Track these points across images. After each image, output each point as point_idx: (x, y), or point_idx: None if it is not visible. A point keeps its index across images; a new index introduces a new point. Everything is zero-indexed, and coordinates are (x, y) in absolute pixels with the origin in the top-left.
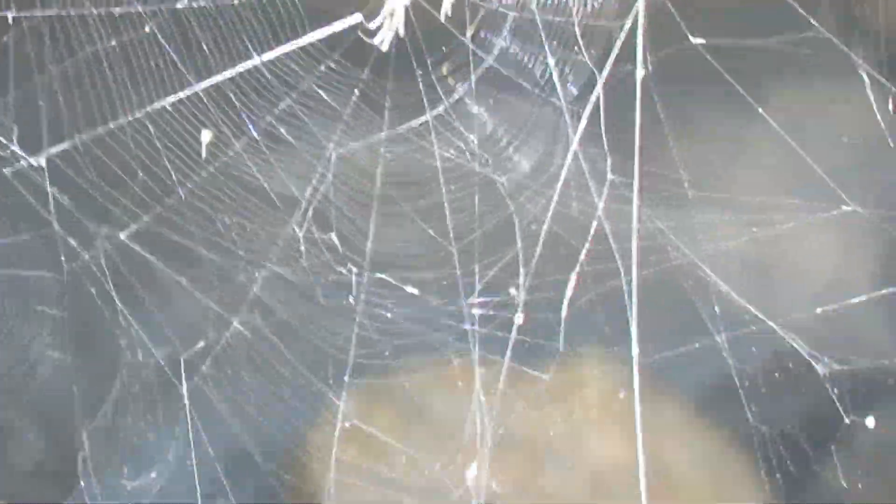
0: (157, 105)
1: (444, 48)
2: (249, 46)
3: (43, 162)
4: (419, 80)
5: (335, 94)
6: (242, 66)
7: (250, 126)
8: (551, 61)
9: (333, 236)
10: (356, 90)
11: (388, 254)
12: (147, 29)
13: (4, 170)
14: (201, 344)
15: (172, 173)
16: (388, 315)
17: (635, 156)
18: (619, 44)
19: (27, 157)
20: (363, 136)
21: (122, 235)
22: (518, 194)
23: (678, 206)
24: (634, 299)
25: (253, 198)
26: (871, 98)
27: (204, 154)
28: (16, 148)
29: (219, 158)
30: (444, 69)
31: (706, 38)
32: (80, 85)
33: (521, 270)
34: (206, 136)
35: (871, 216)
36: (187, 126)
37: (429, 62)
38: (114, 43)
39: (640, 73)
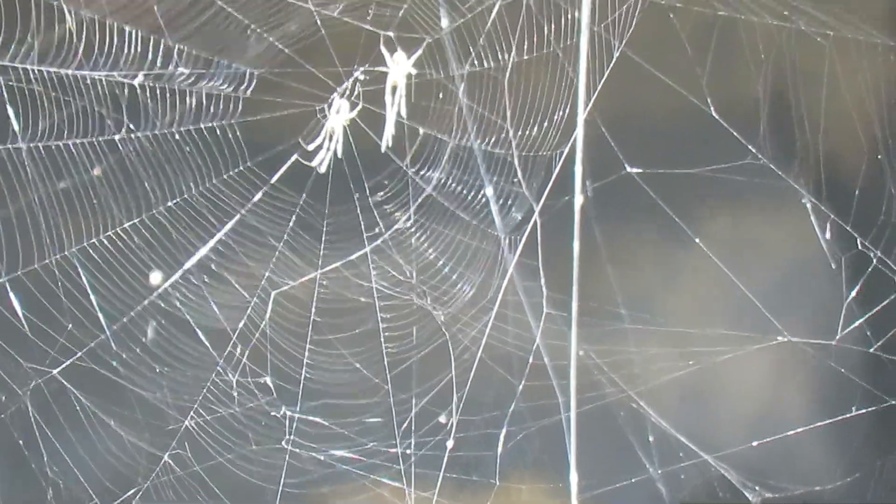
0: (91, 241)
1: (385, 180)
2: (187, 177)
3: None
4: (356, 203)
5: (272, 220)
6: (178, 198)
7: (184, 257)
8: (489, 192)
9: (268, 380)
10: (293, 215)
11: (322, 383)
12: (82, 161)
13: None
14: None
15: (99, 311)
16: (320, 446)
17: (573, 288)
18: (556, 174)
19: None
20: (299, 262)
21: (55, 371)
22: (453, 324)
23: (615, 339)
24: (573, 433)
25: (185, 336)
26: (808, 224)
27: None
28: None
29: (147, 297)
30: (382, 195)
31: (643, 167)
32: (11, 222)
33: (454, 399)
34: (154, 277)
35: (806, 346)
36: (121, 260)
37: (367, 186)
38: (47, 179)
39: (578, 200)
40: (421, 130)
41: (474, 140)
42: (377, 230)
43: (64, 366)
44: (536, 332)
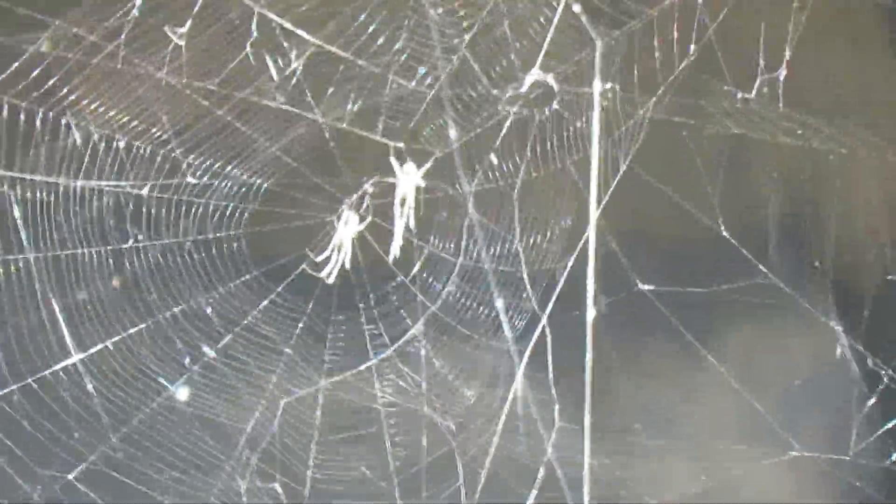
0: (97, 347)
1: (391, 293)
2: (193, 285)
3: None
4: (362, 314)
5: (278, 327)
6: (185, 305)
7: (190, 363)
8: (499, 305)
9: (277, 486)
10: (300, 323)
11: (329, 490)
12: (88, 268)
13: None
14: None
15: (105, 418)
16: None
17: (586, 403)
18: (565, 288)
19: None
20: (306, 368)
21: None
22: (461, 433)
23: (628, 452)
24: None
25: (193, 442)
26: (820, 341)
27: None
28: None
29: (155, 400)
30: (388, 306)
31: (655, 284)
32: (19, 328)
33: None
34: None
35: (818, 460)
36: (126, 366)
37: (372, 297)
38: (54, 284)
39: (590, 315)
40: (428, 245)
41: (483, 254)
42: (382, 340)
43: (74, 473)
44: (547, 443)
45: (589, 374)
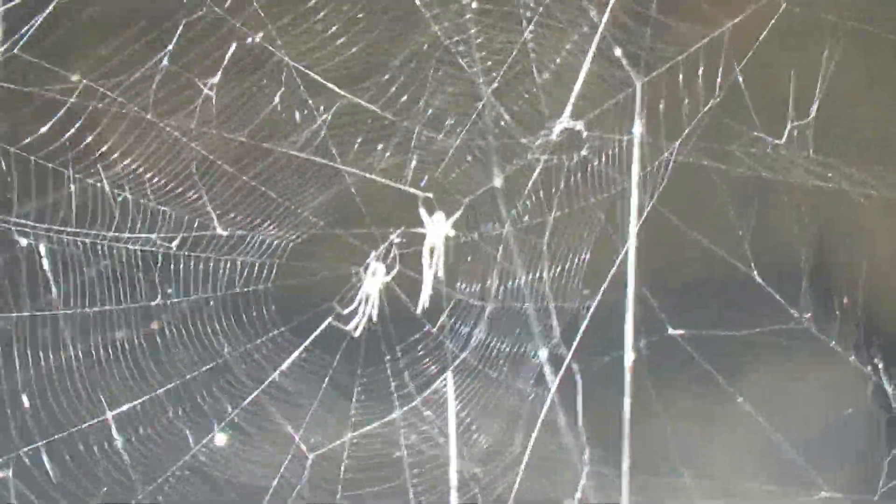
0: (122, 409)
1: (419, 346)
2: (221, 341)
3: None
4: (387, 365)
5: (304, 381)
6: (210, 364)
7: (217, 418)
8: (530, 351)
9: None
10: (326, 377)
11: None
12: (118, 333)
13: None
14: None
15: (134, 476)
16: None
17: (624, 446)
18: (594, 331)
19: None
20: (331, 421)
21: None
22: (485, 479)
23: (658, 493)
24: None
25: (221, 495)
26: (850, 383)
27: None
28: None
29: (182, 459)
30: (416, 357)
31: (686, 329)
32: (44, 391)
33: None
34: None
35: (846, 501)
36: (150, 432)
37: (398, 349)
38: (80, 348)
39: (629, 359)
40: (456, 291)
41: (509, 296)
42: (408, 391)
43: None
44: (578, 488)
45: (627, 419)
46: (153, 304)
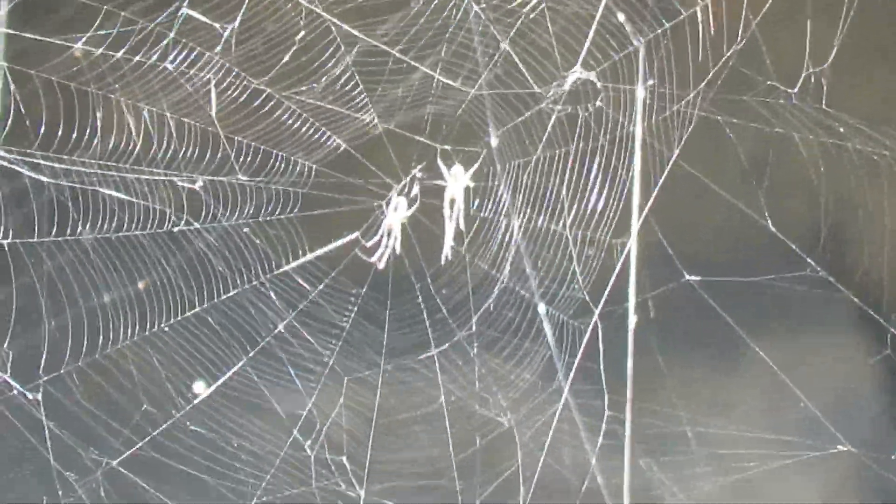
0: (155, 328)
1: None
2: (249, 267)
3: (39, 393)
4: (418, 292)
5: (334, 310)
6: (244, 286)
7: (249, 346)
8: (547, 300)
9: (344, 459)
10: (355, 307)
11: (387, 471)
12: (149, 252)
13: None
14: None
15: (173, 393)
16: None
17: (627, 409)
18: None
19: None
20: (363, 351)
21: (115, 463)
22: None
23: (673, 443)
24: None
25: (255, 419)
26: (868, 336)
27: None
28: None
29: (218, 379)
30: (440, 285)
31: (701, 275)
32: (78, 308)
33: (521, 488)
34: (198, 387)
35: (864, 457)
36: (187, 347)
37: (428, 275)
38: (115, 265)
39: (632, 321)
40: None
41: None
42: (439, 316)
43: (127, 454)
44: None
45: (630, 381)
46: (176, 230)
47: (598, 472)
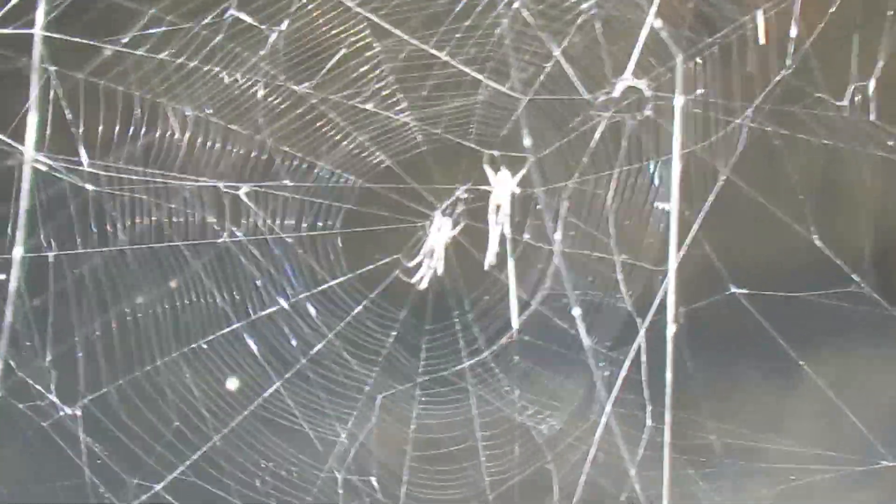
0: (192, 345)
1: (486, 296)
2: (291, 284)
3: (78, 411)
4: (456, 321)
5: (371, 333)
6: (281, 305)
7: (285, 367)
8: (591, 308)
9: (373, 480)
10: (393, 331)
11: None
12: (191, 268)
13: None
14: None
15: (207, 417)
16: None
17: (666, 417)
18: (660, 290)
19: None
20: (398, 376)
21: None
22: (555, 443)
23: (716, 453)
24: None
25: (289, 442)
26: None
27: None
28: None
29: (253, 401)
30: (483, 311)
31: (748, 288)
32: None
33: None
34: (231, 383)
35: None
36: (221, 367)
37: (466, 303)
38: (156, 282)
39: (671, 330)
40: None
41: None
42: (476, 346)
43: (168, 480)
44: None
45: (669, 390)
46: (219, 241)
47: (637, 482)
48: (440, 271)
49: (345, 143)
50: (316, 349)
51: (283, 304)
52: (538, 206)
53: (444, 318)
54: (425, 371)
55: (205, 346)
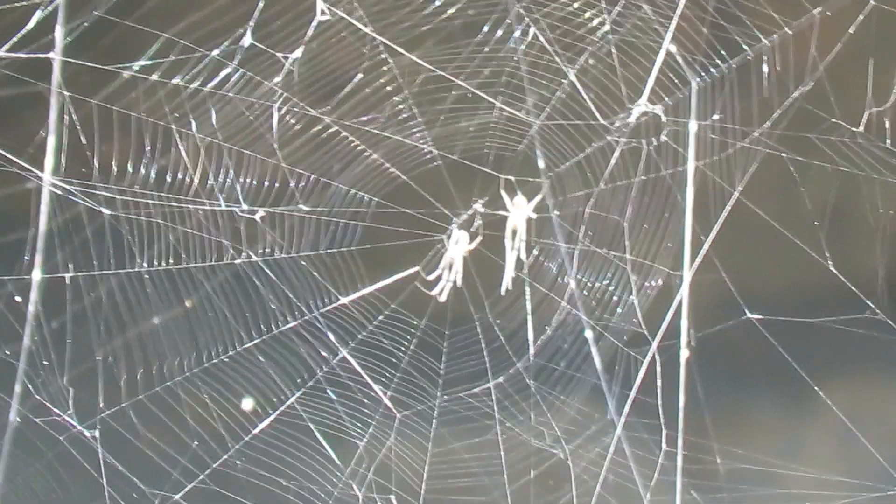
0: (213, 361)
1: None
2: (307, 299)
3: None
4: (477, 324)
5: (389, 349)
6: (300, 319)
7: (305, 375)
8: (605, 332)
9: (393, 499)
10: (413, 339)
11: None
12: (207, 287)
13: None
14: None
15: (224, 433)
16: None
17: (678, 441)
18: (673, 314)
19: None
20: (421, 382)
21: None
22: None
23: (732, 480)
24: None
25: (309, 454)
26: None
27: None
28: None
29: (272, 414)
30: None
31: (763, 313)
32: (140, 341)
33: None
34: (247, 404)
35: None
36: (241, 381)
37: (487, 307)
38: (172, 300)
39: (683, 355)
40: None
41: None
42: (496, 345)
43: (188, 489)
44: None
45: (682, 414)
46: (237, 262)
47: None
48: (459, 283)
49: (360, 160)
50: (334, 362)
51: (299, 321)
52: (554, 230)
53: (464, 338)
54: (444, 388)
55: (226, 360)
